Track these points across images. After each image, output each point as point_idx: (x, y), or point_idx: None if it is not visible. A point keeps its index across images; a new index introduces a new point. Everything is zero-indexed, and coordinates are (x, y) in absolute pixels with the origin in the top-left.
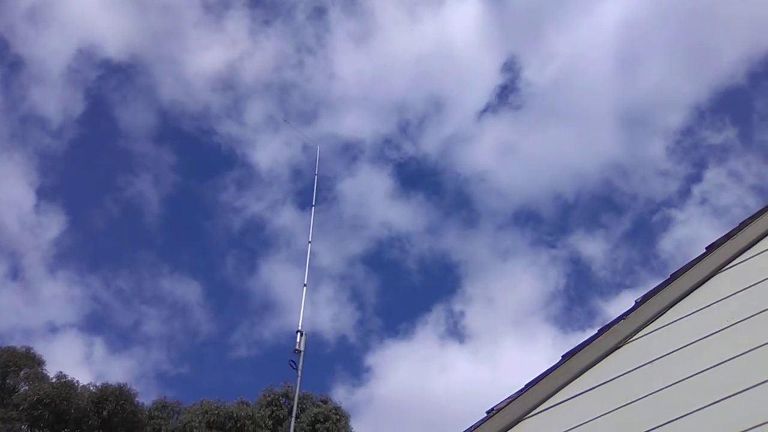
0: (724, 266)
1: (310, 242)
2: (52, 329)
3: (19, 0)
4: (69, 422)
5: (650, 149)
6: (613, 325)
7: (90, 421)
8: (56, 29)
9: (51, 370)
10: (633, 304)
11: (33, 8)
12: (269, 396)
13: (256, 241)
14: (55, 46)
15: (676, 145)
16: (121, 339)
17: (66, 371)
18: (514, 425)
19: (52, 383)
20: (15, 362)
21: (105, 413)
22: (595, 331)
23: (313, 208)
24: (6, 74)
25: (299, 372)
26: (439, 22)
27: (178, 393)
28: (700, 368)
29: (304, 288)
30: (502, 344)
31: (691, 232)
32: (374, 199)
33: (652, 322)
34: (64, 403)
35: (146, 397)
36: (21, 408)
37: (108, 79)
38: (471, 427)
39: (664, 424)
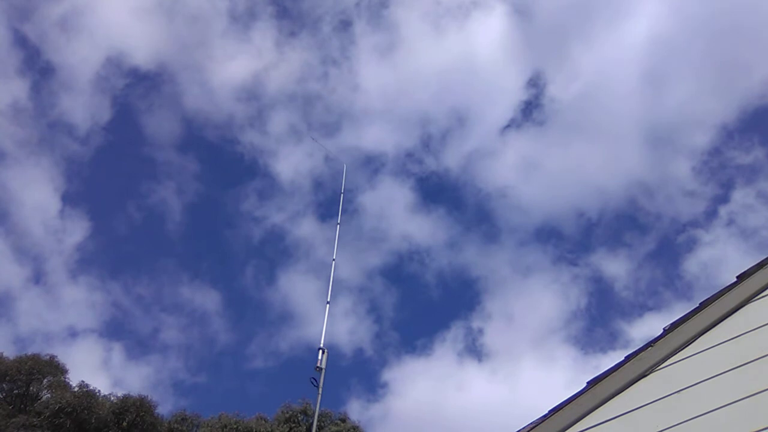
0: (756, 296)
1: (334, 260)
2: (73, 334)
3: (51, 8)
4: (89, 431)
5: (676, 168)
6: (640, 352)
7: (110, 431)
8: (86, 37)
9: (71, 376)
10: (661, 331)
11: (64, 16)
12: (287, 413)
13: (275, 252)
14: (84, 54)
15: (703, 165)
16: (139, 346)
17: (85, 376)
18: None
19: (74, 392)
20: (39, 370)
21: (125, 424)
22: (622, 358)
23: (338, 226)
24: (37, 81)
25: (320, 390)
26: (464, 36)
27: (194, 402)
28: (729, 400)
29: (327, 306)
30: (521, 364)
31: (717, 254)
32: (395, 213)
33: (680, 351)
34: (86, 412)
35: (163, 405)
36: (43, 416)
37: (135, 87)
38: None
39: None
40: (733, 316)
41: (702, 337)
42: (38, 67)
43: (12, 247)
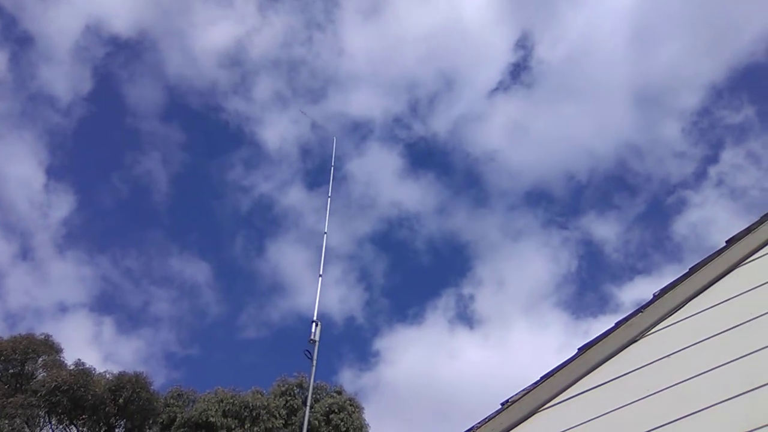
0: (744, 260)
1: (326, 233)
2: (62, 309)
3: None
4: (86, 409)
5: (666, 129)
6: (630, 318)
7: (106, 408)
8: (64, 4)
9: (65, 353)
10: (651, 297)
11: None
12: (283, 386)
13: (264, 221)
14: (63, 23)
15: (692, 126)
16: (130, 319)
17: (76, 351)
18: (530, 417)
19: (70, 370)
20: (34, 349)
21: (121, 400)
22: (612, 324)
23: (329, 199)
24: (15, 52)
25: (314, 362)
26: None
27: (187, 375)
28: (718, 363)
29: (320, 279)
30: (513, 330)
31: (706, 215)
32: (383, 179)
33: (670, 316)
34: (82, 390)
35: (156, 378)
36: (39, 394)
37: (116, 56)
38: (486, 418)
39: (680, 419)
40: (722, 280)
41: (691, 301)
42: (15, 37)
43: None
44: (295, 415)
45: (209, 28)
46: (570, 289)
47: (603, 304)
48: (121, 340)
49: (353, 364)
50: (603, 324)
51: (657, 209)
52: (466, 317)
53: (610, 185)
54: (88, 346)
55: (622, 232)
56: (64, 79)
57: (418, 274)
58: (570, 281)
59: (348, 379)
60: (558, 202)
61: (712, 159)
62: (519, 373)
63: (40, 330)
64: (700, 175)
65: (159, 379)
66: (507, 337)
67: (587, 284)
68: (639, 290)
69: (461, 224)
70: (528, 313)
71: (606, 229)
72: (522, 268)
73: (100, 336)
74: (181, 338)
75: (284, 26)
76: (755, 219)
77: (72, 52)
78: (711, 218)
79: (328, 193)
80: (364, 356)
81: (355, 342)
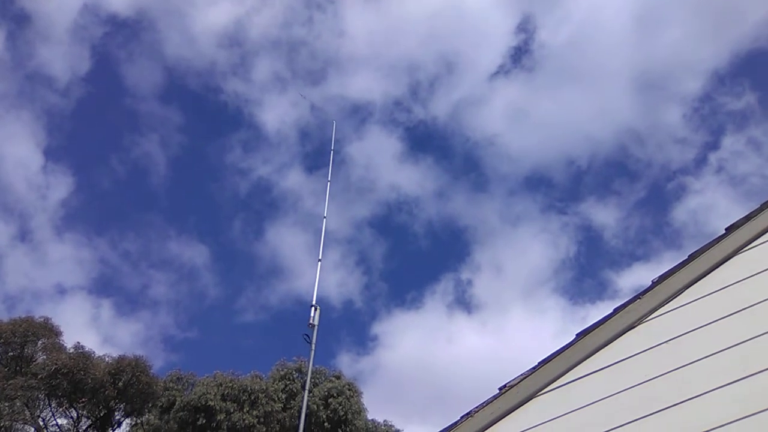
0: (743, 248)
1: (325, 218)
2: (61, 291)
3: None
4: (86, 392)
5: (667, 115)
6: (628, 304)
7: (106, 392)
8: None
9: (64, 336)
10: (649, 283)
11: None
12: (282, 370)
13: (263, 204)
14: (60, 1)
15: (694, 112)
16: (128, 302)
17: (75, 334)
18: (527, 402)
19: (70, 354)
20: (33, 332)
21: (121, 384)
22: (610, 310)
23: (329, 183)
24: (12, 30)
25: (313, 346)
26: None
27: (186, 357)
28: (716, 349)
29: (319, 263)
30: (511, 315)
31: (706, 201)
32: (383, 163)
33: (669, 302)
34: (81, 373)
35: (154, 361)
36: (39, 377)
37: (114, 36)
38: (483, 403)
39: (677, 404)
40: (721, 267)
41: (690, 288)
42: (12, 15)
43: None
44: (294, 399)
45: (208, 8)
46: (568, 274)
47: (601, 290)
48: (119, 322)
49: (351, 348)
50: (601, 310)
51: (657, 195)
52: (464, 302)
53: (610, 171)
54: (86, 329)
55: (622, 218)
56: (62, 59)
57: (417, 259)
58: (568, 267)
59: (346, 363)
60: (557, 188)
61: (713, 145)
62: (516, 358)
63: (39, 312)
64: (701, 162)
65: (158, 362)
66: (505, 323)
67: (586, 270)
68: (637, 276)
69: (460, 209)
70: (526, 299)
71: (605, 215)
72: (521, 253)
73: (98, 318)
74: (179, 321)
75: (284, 6)
76: (755, 206)
77: (70, 31)
78: (711, 205)
79: (327, 178)
80: (363, 340)
81: (353, 326)
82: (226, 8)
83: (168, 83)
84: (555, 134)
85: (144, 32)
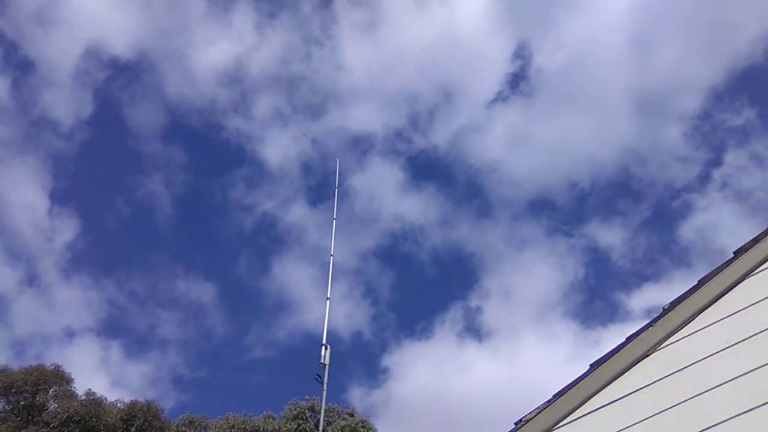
0: (753, 271)
1: (332, 255)
2: (70, 334)
3: (25, 0)
4: None
5: (667, 134)
6: (641, 332)
7: None
8: (63, 29)
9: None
10: (661, 310)
11: (39, 8)
12: (295, 409)
13: (268, 239)
14: (62, 46)
15: (694, 130)
16: (137, 343)
17: (84, 376)
18: None
19: (81, 401)
20: (44, 380)
21: (133, 429)
22: (623, 338)
23: (334, 221)
24: (17, 78)
25: (325, 386)
26: (447, 9)
27: (196, 397)
28: (732, 376)
29: (328, 302)
30: (522, 341)
31: (712, 218)
32: (386, 193)
33: (681, 329)
34: (93, 420)
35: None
36: (51, 426)
37: (116, 79)
38: None
39: None
40: (731, 292)
41: (701, 314)
42: (17, 62)
43: (2, 249)
44: None
45: (208, 48)
46: (578, 297)
47: (612, 313)
48: (128, 364)
49: (363, 382)
50: (613, 333)
51: (662, 214)
52: (474, 330)
53: (613, 191)
54: (96, 371)
55: (628, 238)
56: (65, 104)
57: (425, 288)
58: (577, 290)
59: (358, 397)
60: (561, 210)
61: (716, 162)
62: (530, 384)
63: (48, 356)
64: (704, 179)
65: (168, 403)
66: (517, 349)
67: (595, 292)
68: (648, 297)
69: (465, 235)
70: (537, 324)
71: (611, 236)
72: (529, 278)
73: (107, 360)
74: (188, 360)
75: (282, 43)
76: (761, 221)
77: (73, 75)
78: (717, 221)
79: (333, 215)
80: (374, 373)
81: (363, 359)
82: (225, 47)
83: (170, 123)
84: (556, 157)
85: (145, 74)
